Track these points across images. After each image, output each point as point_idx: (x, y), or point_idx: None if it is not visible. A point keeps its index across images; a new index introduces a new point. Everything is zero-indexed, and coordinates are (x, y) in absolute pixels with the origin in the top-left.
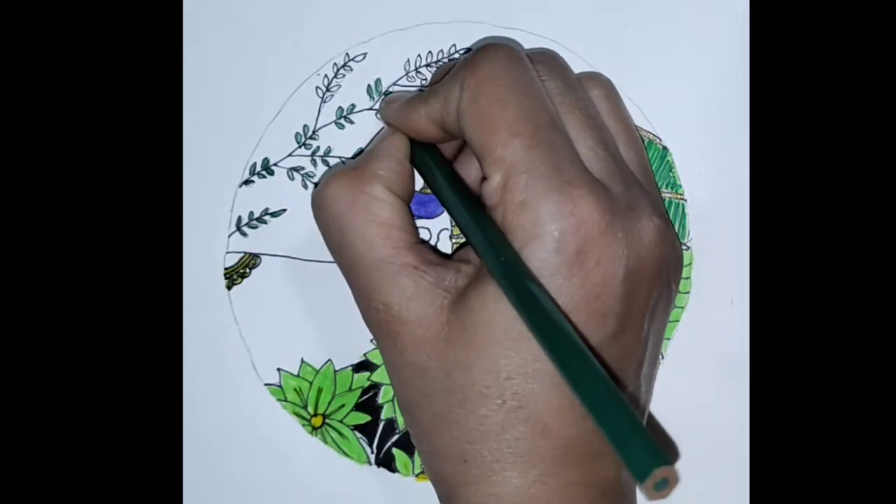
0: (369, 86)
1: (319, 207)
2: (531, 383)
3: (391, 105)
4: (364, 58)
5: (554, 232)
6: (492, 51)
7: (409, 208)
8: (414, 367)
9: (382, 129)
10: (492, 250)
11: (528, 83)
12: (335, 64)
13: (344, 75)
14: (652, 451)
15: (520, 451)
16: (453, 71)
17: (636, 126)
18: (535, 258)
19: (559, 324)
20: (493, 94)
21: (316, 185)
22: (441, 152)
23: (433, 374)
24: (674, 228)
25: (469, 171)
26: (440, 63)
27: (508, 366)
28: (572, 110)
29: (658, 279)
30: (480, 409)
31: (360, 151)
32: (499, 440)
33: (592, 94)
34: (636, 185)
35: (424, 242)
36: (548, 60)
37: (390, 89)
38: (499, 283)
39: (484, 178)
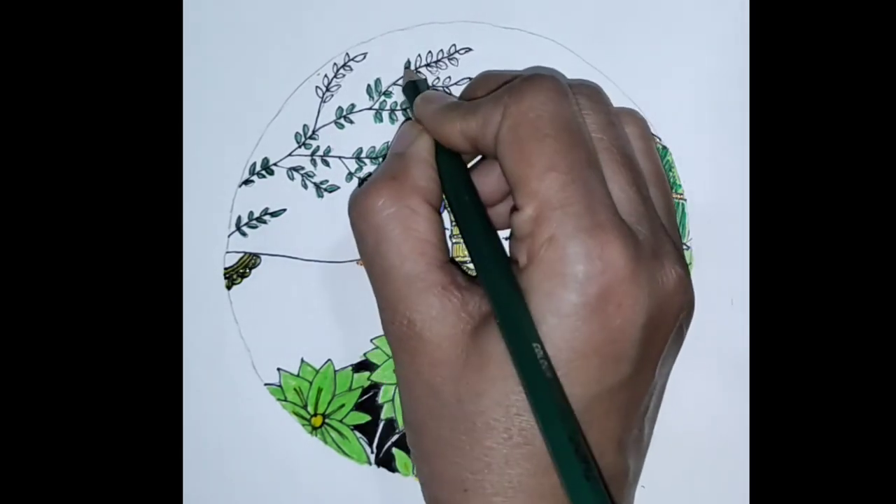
0: (369, 86)
1: (359, 216)
2: None
3: (429, 105)
4: (364, 58)
5: (578, 273)
6: (537, 81)
7: (442, 220)
8: (428, 387)
9: (406, 121)
10: (498, 292)
11: (570, 118)
12: (335, 64)
13: (344, 75)
14: None
15: (522, 487)
16: (497, 94)
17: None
18: (555, 295)
19: (551, 392)
20: (534, 125)
21: (360, 182)
22: (465, 164)
23: (444, 398)
24: (690, 275)
25: (485, 181)
26: (440, 62)
27: (519, 401)
28: (610, 148)
29: (674, 327)
30: (486, 439)
31: (360, 151)
32: (502, 474)
33: (626, 130)
34: (662, 230)
35: (454, 262)
36: (591, 94)
37: (390, 89)
38: (500, 329)
39: (515, 208)
